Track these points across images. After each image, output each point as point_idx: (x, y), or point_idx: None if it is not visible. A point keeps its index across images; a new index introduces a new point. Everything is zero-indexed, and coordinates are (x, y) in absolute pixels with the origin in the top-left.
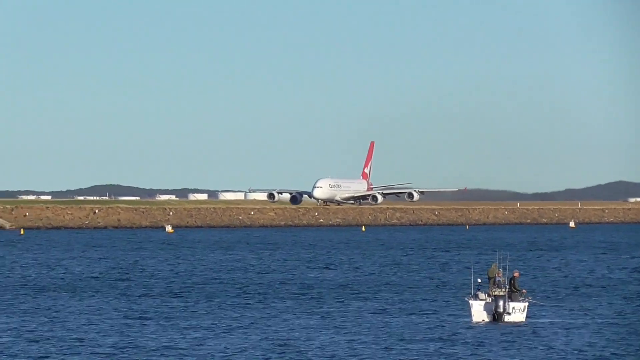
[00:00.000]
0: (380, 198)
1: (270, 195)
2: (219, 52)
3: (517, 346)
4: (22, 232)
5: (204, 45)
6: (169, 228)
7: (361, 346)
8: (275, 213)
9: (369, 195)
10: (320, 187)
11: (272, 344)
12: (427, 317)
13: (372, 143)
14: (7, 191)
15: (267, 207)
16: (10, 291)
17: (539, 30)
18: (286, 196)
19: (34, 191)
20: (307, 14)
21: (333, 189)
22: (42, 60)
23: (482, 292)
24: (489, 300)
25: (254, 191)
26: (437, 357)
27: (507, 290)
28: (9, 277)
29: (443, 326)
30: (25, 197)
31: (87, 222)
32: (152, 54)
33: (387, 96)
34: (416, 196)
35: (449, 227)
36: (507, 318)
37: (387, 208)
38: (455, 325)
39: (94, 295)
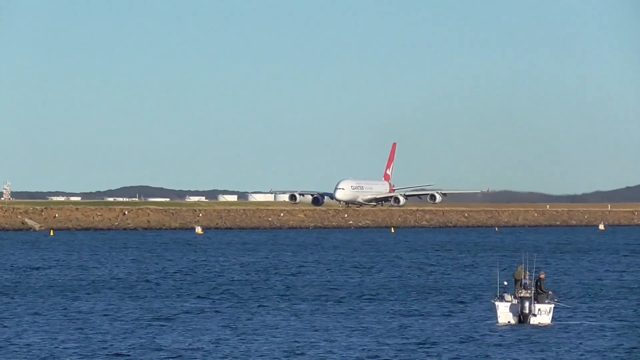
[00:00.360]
0: (402, 200)
1: (292, 197)
2: (243, 55)
3: (541, 348)
4: (51, 233)
5: (227, 47)
6: (198, 229)
7: (386, 347)
8: (305, 215)
9: (391, 196)
10: (342, 189)
11: (296, 345)
12: (452, 319)
13: (394, 144)
14: (37, 192)
15: (297, 208)
16: (37, 292)
17: (569, 28)
18: (308, 198)
19: (63, 192)
20: (333, 14)
21: (355, 190)
22: (72, 62)
23: (508, 294)
24: (514, 301)
25: (275, 192)
26: (462, 358)
27: (533, 292)
28: (37, 278)
29: (468, 328)
30: (55, 199)
31: (116, 224)
32: (183, 56)
33: (410, 97)
34: (438, 198)
35: (478, 229)
36: (532, 320)
37: (417, 210)
38: (481, 327)
39: (118, 296)
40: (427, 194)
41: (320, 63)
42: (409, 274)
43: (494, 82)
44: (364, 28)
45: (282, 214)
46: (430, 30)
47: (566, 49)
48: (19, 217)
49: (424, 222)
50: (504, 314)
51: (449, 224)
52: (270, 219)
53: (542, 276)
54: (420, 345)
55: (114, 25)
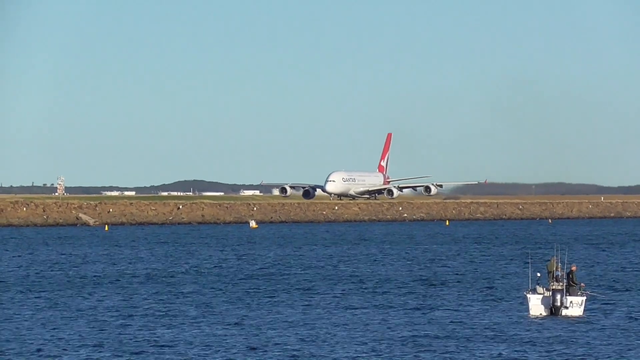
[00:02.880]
0: (396, 192)
1: (283, 190)
2: (252, 49)
3: (572, 340)
4: (106, 228)
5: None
6: (253, 223)
7: (419, 338)
8: (360, 208)
9: (384, 189)
10: (333, 181)
11: (314, 336)
12: (485, 310)
13: (389, 135)
14: (91, 187)
15: (352, 202)
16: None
17: (619, 12)
18: (301, 191)
19: (117, 187)
20: (324, 4)
21: (347, 182)
22: (125, 59)
23: (540, 286)
24: (547, 294)
25: (266, 185)
26: (494, 350)
27: (565, 284)
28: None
29: (500, 319)
30: (109, 193)
31: (170, 218)
32: (231, 53)
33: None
34: (433, 190)
35: (532, 221)
36: (564, 312)
37: (471, 202)
38: (513, 319)
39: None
40: (422, 186)
41: (314, 52)
42: (447, 263)
43: (547, 72)
44: (356, 16)
45: (336, 207)
46: (429, 19)
47: (616, 36)
48: (73, 212)
49: (478, 215)
50: (536, 306)
51: (504, 216)
52: (324, 212)
53: (574, 268)
54: (451, 336)
55: (165, 19)
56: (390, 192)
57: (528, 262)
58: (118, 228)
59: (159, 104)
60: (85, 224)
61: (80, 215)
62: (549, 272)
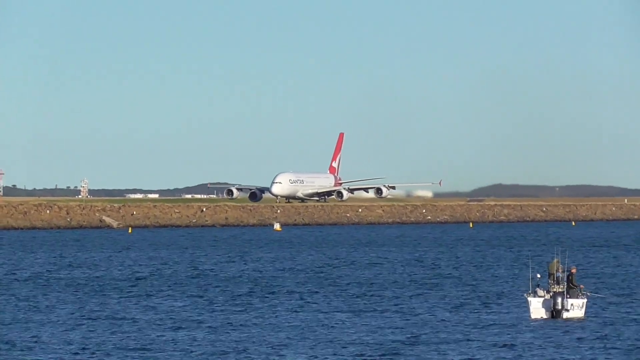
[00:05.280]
0: (345, 194)
1: (229, 192)
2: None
3: (575, 343)
4: (130, 230)
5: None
6: (277, 226)
7: (419, 340)
8: (383, 210)
9: (333, 191)
10: (280, 183)
11: (324, 339)
12: (486, 313)
13: (342, 134)
14: (114, 190)
15: (375, 204)
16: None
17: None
18: (249, 193)
19: (141, 189)
20: (275, 4)
21: (294, 184)
22: (147, 60)
23: (541, 289)
24: (547, 296)
25: (213, 186)
26: (494, 352)
27: (565, 286)
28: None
29: (501, 322)
30: (132, 196)
31: (194, 221)
32: (250, 55)
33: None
34: (385, 192)
35: (556, 223)
36: (565, 315)
37: (495, 205)
38: (514, 322)
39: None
40: (373, 188)
41: (264, 46)
42: (454, 267)
43: (561, 80)
44: (309, 11)
45: (360, 210)
46: (387, 10)
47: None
48: (97, 214)
49: (502, 217)
50: (537, 309)
51: (527, 219)
52: (348, 214)
53: (574, 270)
54: (452, 339)
55: (188, 22)
56: (339, 194)
57: (529, 264)
58: (142, 231)
59: (183, 106)
60: (109, 227)
61: (104, 218)
62: (550, 274)
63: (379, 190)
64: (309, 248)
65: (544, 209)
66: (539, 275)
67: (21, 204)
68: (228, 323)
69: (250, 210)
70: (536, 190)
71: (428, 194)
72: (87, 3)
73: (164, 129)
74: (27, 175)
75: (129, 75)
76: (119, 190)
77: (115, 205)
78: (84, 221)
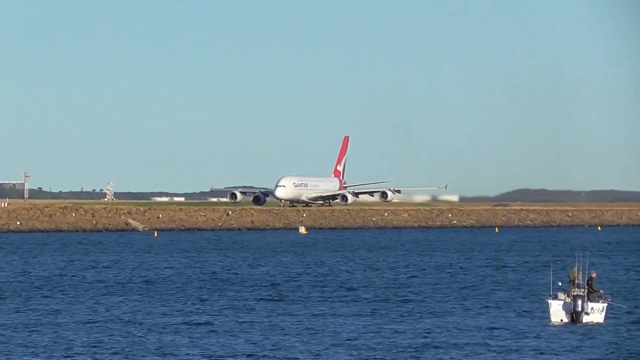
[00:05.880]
0: (350, 198)
1: (232, 195)
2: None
3: (594, 346)
4: (155, 234)
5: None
6: (302, 229)
7: (437, 344)
8: (409, 214)
9: (338, 194)
10: (283, 186)
11: (335, 343)
12: (506, 317)
13: (347, 138)
14: (140, 193)
15: (401, 208)
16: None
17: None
18: (252, 196)
19: (167, 193)
20: (278, 6)
21: (298, 188)
22: (172, 62)
23: (561, 293)
24: (568, 300)
25: (216, 190)
26: (514, 355)
27: (585, 291)
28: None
29: (521, 325)
30: (158, 199)
31: (220, 224)
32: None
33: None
34: (390, 195)
35: (581, 228)
36: (585, 318)
37: (521, 210)
38: (534, 325)
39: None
40: (378, 192)
41: (269, 48)
42: (478, 271)
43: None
44: (312, 13)
45: (386, 214)
46: (395, 13)
47: None
48: (122, 217)
49: (527, 222)
50: (557, 312)
51: (553, 224)
52: (374, 218)
53: (594, 275)
54: (472, 342)
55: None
56: (344, 197)
57: (550, 269)
58: (167, 234)
59: (209, 109)
60: (135, 230)
61: (130, 220)
62: (570, 281)
63: (384, 194)
64: (334, 251)
65: (570, 214)
66: (560, 284)
67: (47, 207)
68: (242, 326)
69: (276, 213)
70: (562, 195)
71: (454, 198)
72: (121, 11)
73: (190, 133)
74: (53, 177)
75: (155, 79)
76: (144, 193)
77: (140, 208)
78: (109, 224)
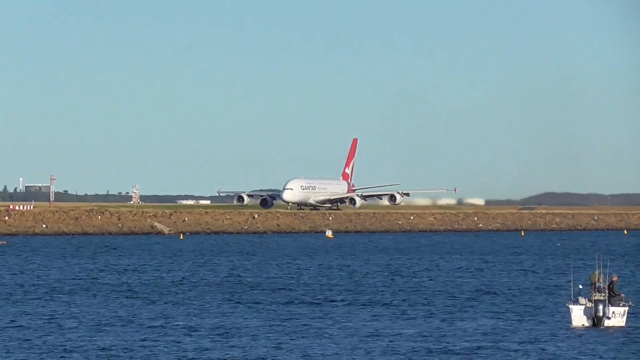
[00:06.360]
0: (359, 201)
1: (239, 198)
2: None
3: (615, 350)
4: (181, 237)
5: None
6: (329, 233)
7: (461, 349)
8: (435, 218)
9: (346, 197)
10: (291, 189)
11: (360, 340)
12: (527, 321)
13: (355, 140)
14: (166, 196)
15: (427, 211)
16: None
17: None
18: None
19: (192, 196)
20: (287, 9)
21: (306, 191)
22: (201, 66)
23: (582, 297)
24: (589, 305)
25: (224, 193)
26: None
27: (606, 295)
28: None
29: (543, 330)
30: (184, 202)
31: (246, 227)
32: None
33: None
34: (399, 198)
35: (607, 232)
36: (606, 322)
37: (547, 213)
38: (555, 329)
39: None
40: (387, 194)
41: (277, 50)
42: (500, 275)
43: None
44: (320, 14)
45: (412, 217)
46: (405, 14)
47: None
48: (148, 220)
49: (553, 225)
50: (578, 316)
51: (579, 227)
52: (400, 222)
53: (615, 279)
54: (493, 346)
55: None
56: (352, 200)
57: (571, 274)
58: (193, 237)
59: (235, 113)
60: (160, 233)
61: (155, 224)
62: (591, 284)
63: (392, 197)
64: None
65: (596, 217)
66: (580, 286)
67: (72, 210)
68: (269, 329)
69: (302, 217)
70: (588, 198)
71: (480, 201)
72: (135, 18)
73: (216, 136)
74: (79, 180)
75: (181, 80)
76: (170, 196)
77: (166, 211)
78: (135, 227)
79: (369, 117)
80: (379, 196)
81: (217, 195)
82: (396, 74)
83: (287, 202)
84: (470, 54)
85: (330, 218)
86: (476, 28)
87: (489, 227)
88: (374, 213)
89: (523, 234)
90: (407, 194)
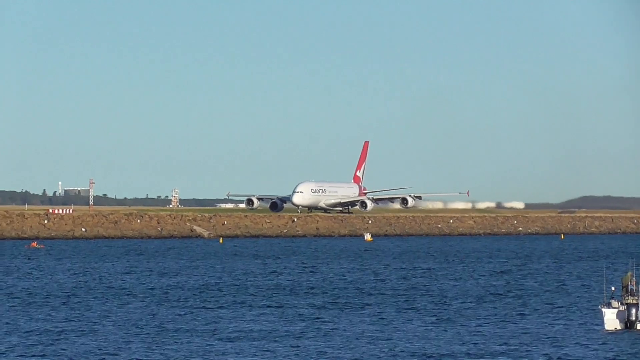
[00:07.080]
0: (370, 204)
1: (249, 202)
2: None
3: None
4: (221, 240)
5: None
6: (368, 236)
7: (489, 351)
8: (474, 221)
9: (357, 201)
10: (301, 193)
11: (385, 343)
12: (561, 324)
13: (366, 143)
14: (205, 199)
15: (467, 215)
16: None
17: None
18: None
19: (232, 199)
20: (298, 11)
21: (316, 194)
22: (244, 69)
23: (615, 300)
24: (621, 308)
25: (233, 196)
26: None
27: (639, 298)
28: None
29: (575, 333)
30: (223, 206)
31: (285, 231)
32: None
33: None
34: (411, 202)
35: None
36: (639, 326)
37: (586, 216)
38: (588, 333)
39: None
40: (399, 198)
41: (286, 54)
42: (535, 278)
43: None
44: (330, 18)
45: (451, 221)
46: (412, 18)
47: None
48: (187, 224)
49: (593, 229)
50: (611, 320)
51: (618, 231)
52: (439, 225)
53: None
54: (526, 348)
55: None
56: (363, 204)
57: (604, 276)
58: (232, 240)
59: (274, 114)
60: (200, 236)
61: (194, 227)
62: (623, 286)
63: (404, 200)
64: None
65: (635, 221)
66: (613, 288)
67: (112, 213)
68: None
69: (342, 220)
70: (628, 202)
71: (520, 205)
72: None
73: (255, 140)
74: (118, 184)
75: (220, 85)
76: (209, 200)
77: (206, 215)
78: (174, 231)
79: (380, 120)
80: (391, 199)
81: (227, 197)
82: (410, 77)
83: (297, 206)
84: (491, 54)
85: (370, 222)
86: (499, 29)
87: (529, 231)
88: (413, 217)
89: (562, 237)
90: (420, 197)
